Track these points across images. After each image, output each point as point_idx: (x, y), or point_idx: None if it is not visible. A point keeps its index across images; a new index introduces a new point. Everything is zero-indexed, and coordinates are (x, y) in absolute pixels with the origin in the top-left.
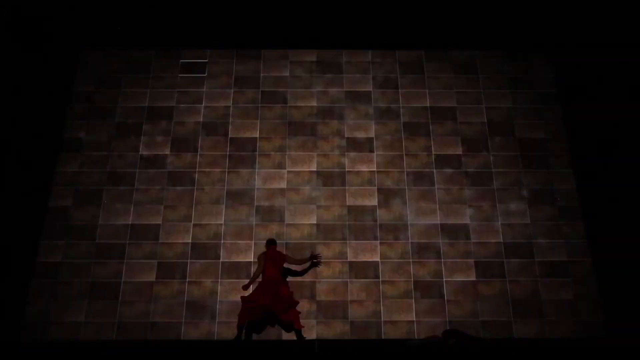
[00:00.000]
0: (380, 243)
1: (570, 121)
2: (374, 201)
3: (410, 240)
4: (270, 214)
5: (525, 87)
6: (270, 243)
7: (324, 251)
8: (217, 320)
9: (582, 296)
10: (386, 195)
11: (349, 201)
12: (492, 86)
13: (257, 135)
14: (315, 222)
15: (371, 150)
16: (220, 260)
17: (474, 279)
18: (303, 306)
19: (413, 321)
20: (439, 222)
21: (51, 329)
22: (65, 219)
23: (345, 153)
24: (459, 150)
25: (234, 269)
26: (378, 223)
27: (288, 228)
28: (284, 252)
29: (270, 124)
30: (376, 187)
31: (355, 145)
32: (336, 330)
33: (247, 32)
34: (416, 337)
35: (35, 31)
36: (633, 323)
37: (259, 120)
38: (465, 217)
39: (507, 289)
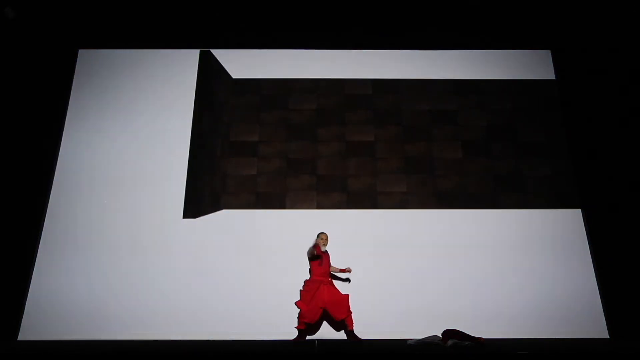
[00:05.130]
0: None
1: (571, 124)
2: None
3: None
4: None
5: (525, 90)
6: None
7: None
8: None
9: (582, 299)
10: (387, 199)
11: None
12: (493, 88)
13: (258, 140)
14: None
15: (372, 154)
16: None
17: None
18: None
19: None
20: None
21: None
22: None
23: (346, 157)
24: (459, 154)
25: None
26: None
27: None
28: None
29: (270, 128)
30: (377, 191)
31: (355, 149)
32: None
33: (247, 32)
34: (416, 337)
35: (34, 32)
36: (633, 323)
37: (258, 124)
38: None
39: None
